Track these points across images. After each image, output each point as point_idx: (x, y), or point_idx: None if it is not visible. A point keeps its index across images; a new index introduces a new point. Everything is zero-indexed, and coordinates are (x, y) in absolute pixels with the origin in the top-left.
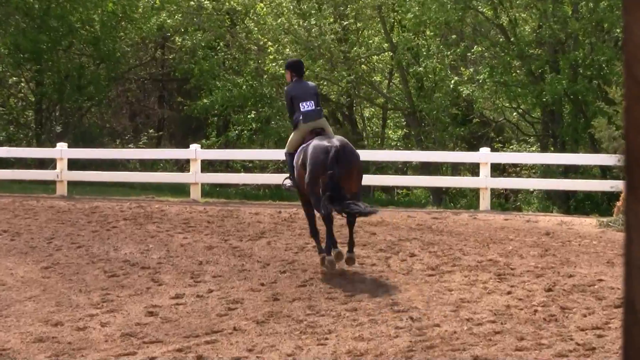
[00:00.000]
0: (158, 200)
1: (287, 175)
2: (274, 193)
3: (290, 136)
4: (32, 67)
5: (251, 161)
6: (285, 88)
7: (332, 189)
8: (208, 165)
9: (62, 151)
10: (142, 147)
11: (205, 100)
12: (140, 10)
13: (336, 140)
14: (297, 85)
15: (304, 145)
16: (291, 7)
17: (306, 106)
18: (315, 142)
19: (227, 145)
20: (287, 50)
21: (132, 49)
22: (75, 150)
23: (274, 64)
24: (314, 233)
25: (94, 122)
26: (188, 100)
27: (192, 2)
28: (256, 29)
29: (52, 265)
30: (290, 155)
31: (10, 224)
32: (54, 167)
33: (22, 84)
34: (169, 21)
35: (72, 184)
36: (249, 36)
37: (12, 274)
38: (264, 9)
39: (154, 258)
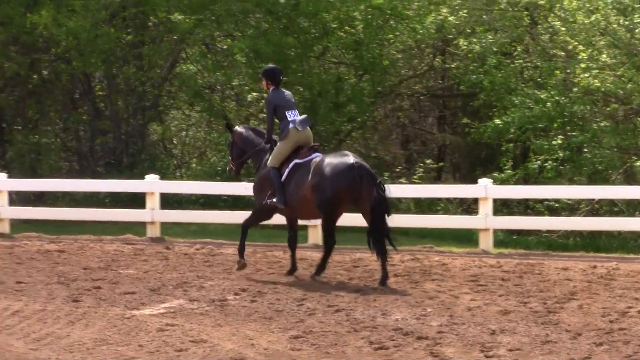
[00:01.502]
0: (438, 251)
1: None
2: (587, 243)
3: (276, 148)
4: None
5: (557, 200)
6: (267, 97)
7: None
8: (502, 206)
9: None
10: (418, 182)
11: (497, 122)
12: (414, 5)
13: (352, 157)
14: (278, 93)
15: (300, 160)
16: (609, 1)
17: (293, 115)
18: (329, 159)
19: (527, 179)
20: (604, 56)
21: (404, 56)
22: None
23: (586, 75)
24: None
25: (355, 149)
26: (476, 121)
27: None
28: (564, 29)
29: (303, 334)
30: (274, 170)
31: (250, 281)
32: None
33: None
34: (450, 19)
35: None
36: (554, 38)
37: (252, 344)
38: (574, 3)
39: (434, 325)
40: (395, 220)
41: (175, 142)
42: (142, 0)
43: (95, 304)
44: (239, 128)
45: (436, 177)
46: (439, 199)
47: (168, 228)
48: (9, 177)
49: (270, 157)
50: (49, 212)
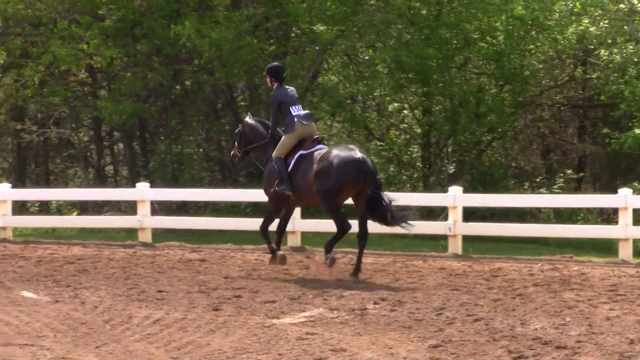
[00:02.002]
0: (577, 261)
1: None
2: None
3: (281, 140)
4: (418, 91)
5: None
6: (272, 93)
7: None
8: None
9: (455, 197)
10: (557, 192)
11: (638, 132)
12: (555, 16)
13: (358, 151)
14: (282, 90)
15: (305, 152)
16: None
17: (297, 110)
18: (338, 151)
19: None
20: None
21: (545, 67)
22: (472, 196)
23: None
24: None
25: (495, 160)
26: (616, 131)
27: (621, 5)
28: None
29: (442, 344)
30: (281, 160)
31: (390, 290)
32: (445, 218)
33: (406, 112)
34: (591, 30)
35: (467, 240)
36: None
37: (392, 353)
38: None
39: (572, 335)
40: (535, 230)
41: None
42: (285, 11)
43: (235, 313)
44: (249, 120)
45: (576, 187)
46: (579, 209)
47: (309, 237)
48: (152, 187)
49: (276, 148)
50: (190, 221)
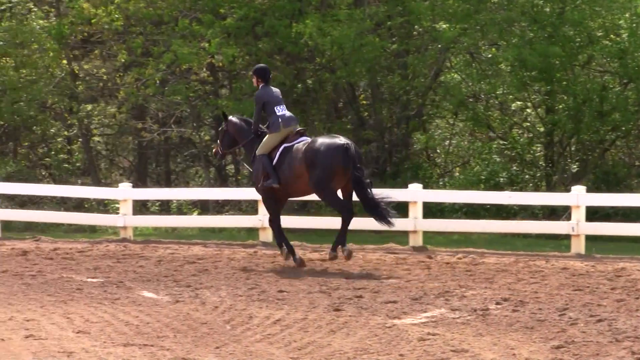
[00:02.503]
0: None
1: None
2: None
3: (265, 139)
4: (541, 89)
5: None
6: (256, 93)
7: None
8: None
9: (578, 196)
10: None
11: None
12: None
13: (343, 138)
14: (267, 90)
15: (289, 144)
16: None
17: (281, 110)
18: (322, 140)
19: None
20: None
21: None
22: (595, 196)
23: None
24: (283, 237)
25: (619, 158)
26: None
27: None
28: None
29: (564, 344)
30: (265, 156)
31: (512, 291)
32: (568, 218)
33: (529, 110)
34: None
35: (590, 239)
36: None
37: (514, 354)
38: None
39: None
40: None
41: (438, 151)
42: (407, 9)
43: (356, 313)
44: (233, 118)
45: None
46: None
47: (430, 237)
48: None
49: (260, 146)
50: (310, 220)
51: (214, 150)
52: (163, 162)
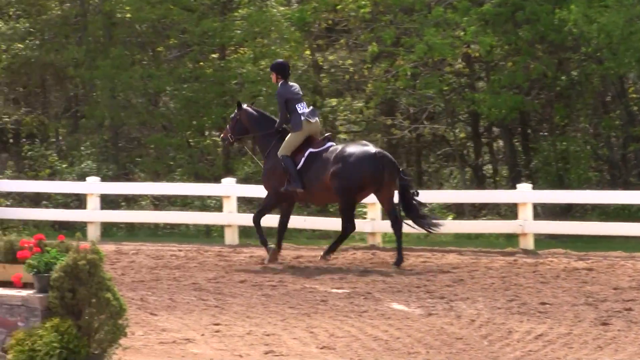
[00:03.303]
0: None
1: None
2: None
3: (288, 138)
4: None
5: None
6: (278, 91)
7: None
8: None
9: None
10: None
11: None
12: None
13: (372, 146)
14: (288, 87)
15: (315, 150)
16: None
17: (302, 107)
18: (353, 148)
19: None
20: None
21: None
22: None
23: None
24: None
25: None
26: None
27: None
28: None
29: None
30: (288, 158)
31: None
32: None
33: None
34: None
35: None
36: None
37: None
38: None
39: None
40: None
41: None
42: None
43: (625, 328)
44: (248, 108)
45: None
46: None
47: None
48: (534, 188)
49: (282, 146)
50: (575, 226)
51: (222, 135)
52: (414, 162)
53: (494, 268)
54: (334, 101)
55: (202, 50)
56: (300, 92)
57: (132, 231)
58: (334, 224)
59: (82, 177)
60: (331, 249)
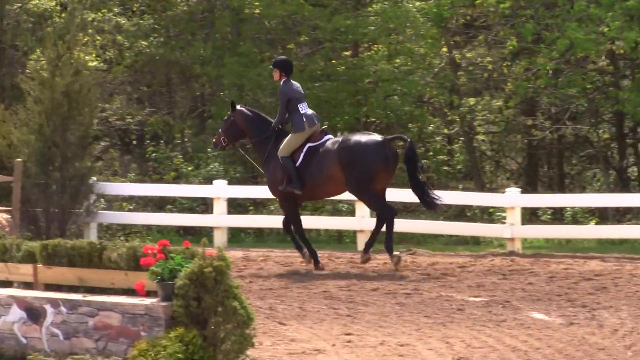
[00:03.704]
0: None
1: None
2: None
3: (288, 139)
4: None
5: None
6: (281, 89)
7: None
8: None
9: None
10: None
11: None
12: None
13: (378, 135)
14: (291, 86)
15: (314, 144)
16: None
17: (304, 108)
18: (358, 137)
19: None
20: None
21: None
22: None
23: None
24: (304, 238)
25: None
26: None
27: None
28: None
29: None
30: (288, 158)
31: None
32: None
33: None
34: None
35: None
36: None
37: None
38: None
39: None
40: None
41: None
42: None
43: None
44: (244, 109)
45: None
46: None
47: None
48: None
49: (281, 147)
50: None
51: (214, 139)
52: (556, 164)
53: (638, 275)
54: (472, 100)
55: (334, 48)
56: (302, 92)
57: (261, 237)
58: (473, 229)
59: (208, 180)
60: (389, 247)
